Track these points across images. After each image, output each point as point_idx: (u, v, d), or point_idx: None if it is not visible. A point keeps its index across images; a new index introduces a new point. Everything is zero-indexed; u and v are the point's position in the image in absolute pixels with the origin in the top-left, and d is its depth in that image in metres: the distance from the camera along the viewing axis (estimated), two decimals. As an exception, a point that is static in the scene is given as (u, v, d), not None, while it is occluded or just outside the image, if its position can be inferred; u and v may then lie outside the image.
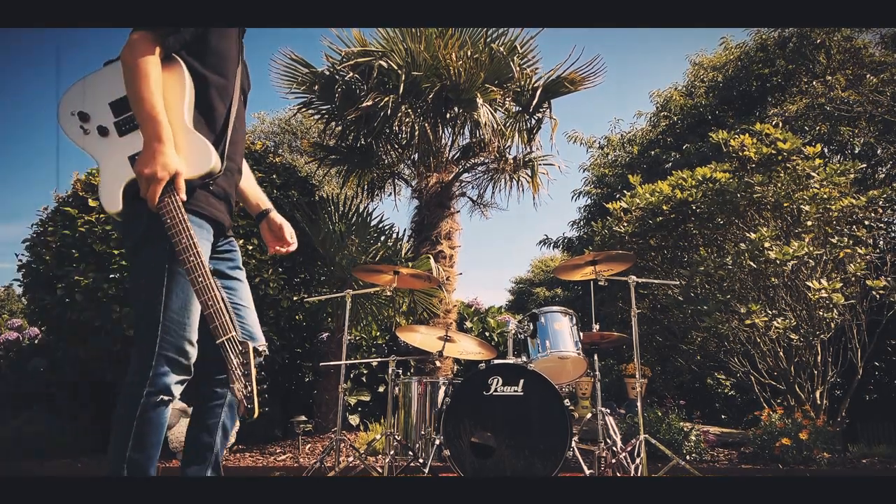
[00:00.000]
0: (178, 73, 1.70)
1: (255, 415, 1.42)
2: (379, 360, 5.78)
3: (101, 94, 1.71)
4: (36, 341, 6.55)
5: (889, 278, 4.83)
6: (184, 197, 1.59)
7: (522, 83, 6.23)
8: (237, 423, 1.84)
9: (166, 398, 1.61)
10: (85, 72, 1.75)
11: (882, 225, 6.00)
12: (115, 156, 1.66)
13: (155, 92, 1.59)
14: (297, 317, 5.51)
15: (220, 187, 1.76)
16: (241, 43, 1.90)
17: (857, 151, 8.35)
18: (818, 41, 8.37)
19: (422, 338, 4.09)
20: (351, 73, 5.89)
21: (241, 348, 1.45)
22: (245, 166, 2.01)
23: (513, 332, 3.88)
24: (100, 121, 1.70)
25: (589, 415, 3.81)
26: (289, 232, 2.08)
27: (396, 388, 3.86)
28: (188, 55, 1.73)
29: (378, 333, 6.60)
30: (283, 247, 2.09)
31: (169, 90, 1.66)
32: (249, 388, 1.42)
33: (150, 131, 1.58)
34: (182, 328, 1.62)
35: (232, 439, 4.90)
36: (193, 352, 1.65)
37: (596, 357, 3.74)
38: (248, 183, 2.08)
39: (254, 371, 1.43)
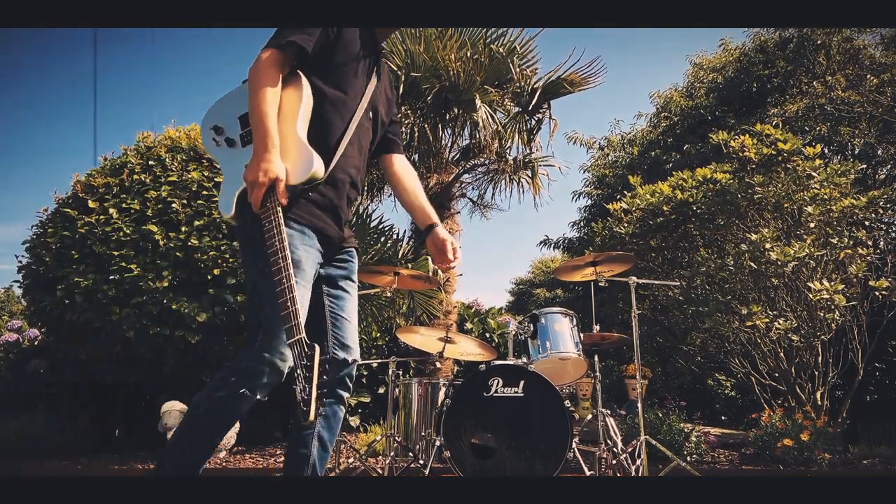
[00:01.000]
0: (297, 86, 1.77)
1: (311, 418, 1.43)
2: (379, 361, 5.77)
3: (235, 108, 1.81)
4: (36, 342, 6.54)
5: (890, 279, 4.82)
6: (284, 202, 1.64)
7: (522, 84, 6.23)
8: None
9: (248, 394, 1.62)
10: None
11: (882, 226, 6.00)
12: (236, 164, 1.73)
13: (269, 104, 1.67)
14: (297, 318, 5.49)
15: (326, 197, 1.79)
16: (380, 63, 1.96)
17: (857, 152, 8.35)
18: (818, 42, 8.37)
19: (422, 339, 4.09)
20: (351, 74, 5.89)
21: (307, 351, 1.45)
22: (414, 183, 2.10)
23: (513, 333, 3.88)
24: (230, 133, 1.80)
25: (589, 416, 3.80)
26: (450, 249, 2.04)
27: (397, 390, 3.85)
28: (311, 71, 1.80)
29: (378, 335, 6.59)
30: (446, 263, 2.06)
31: (287, 101, 1.74)
32: (308, 392, 1.42)
33: (259, 140, 1.65)
34: (281, 330, 1.62)
35: (231, 440, 4.90)
36: (290, 359, 1.64)
37: (596, 358, 3.73)
38: (416, 197, 2.09)
39: (315, 375, 1.43)
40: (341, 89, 1.84)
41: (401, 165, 2.12)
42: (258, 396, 1.63)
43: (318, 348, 1.46)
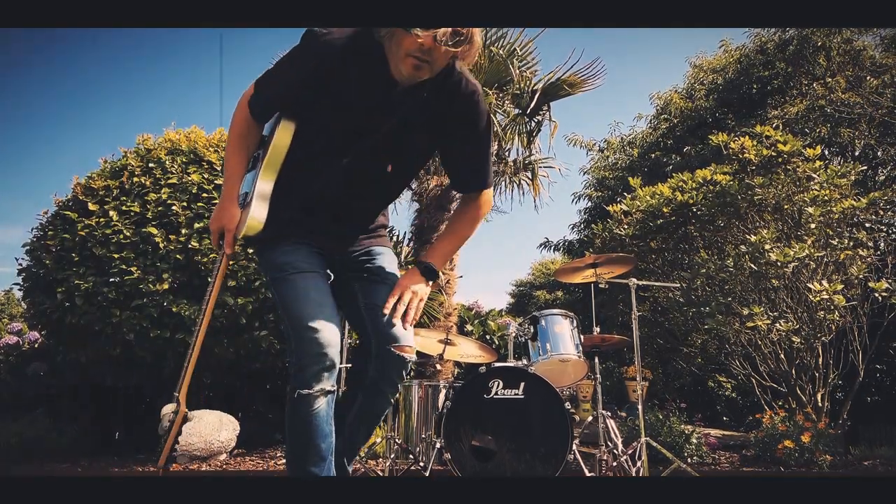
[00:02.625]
0: (272, 132, 1.79)
1: (159, 464, 1.66)
2: (379, 363, 5.77)
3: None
4: (36, 345, 6.54)
5: (891, 280, 4.82)
6: (228, 251, 1.81)
7: (522, 86, 6.22)
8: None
9: (305, 392, 1.67)
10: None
11: (883, 227, 6.00)
12: (245, 182, 1.88)
13: (233, 152, 1.81)
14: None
15: (304, 227, 1.83)
16: (390, 102, 1.75)
17: (857, 153, 8.35)
18: (819, 44, 8.37)
19: (422, 341, 4.07)
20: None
21: (175, 410, 1.65)
22: (457, 229, 1.97)
23: (513, 335, 3.88)
24: (258, 151, 1.91)
25: (590, 418, 3.80)
26: (396, 296, 1.79)
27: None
28: (292, 116, 1.78)
29: (378, 336, 6.58)
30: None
31: (265, 146, 1.82)
32: (163, 442, 1.65)
33: (223, 187, 1.83)
34: (302, 319, 1.68)
35: (231, 443, 4.89)
36: (322, 336, 1.66)
37: (597, 360, 3.73)
38: (443, 237, 2.01)
39: (173, 433, 1.64)
40: (325, 133, 1.77)
41: (462, 206, 1.97)
42: (315, 388, 1.67)
43: (184, 411, 1.64)
